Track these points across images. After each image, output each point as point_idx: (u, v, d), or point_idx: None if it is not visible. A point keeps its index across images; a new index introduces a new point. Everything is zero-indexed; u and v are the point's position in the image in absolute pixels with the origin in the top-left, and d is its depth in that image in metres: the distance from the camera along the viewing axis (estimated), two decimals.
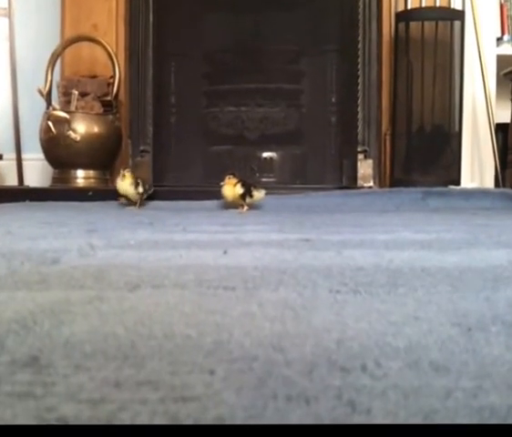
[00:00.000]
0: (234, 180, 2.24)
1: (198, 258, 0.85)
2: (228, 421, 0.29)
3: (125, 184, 2.26)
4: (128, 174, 2.29)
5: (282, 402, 0.31)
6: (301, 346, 0.40)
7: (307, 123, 3.37)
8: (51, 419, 0.29)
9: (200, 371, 0.35)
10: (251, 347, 0.39)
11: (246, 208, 2.23)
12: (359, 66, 3.06)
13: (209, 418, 0.30)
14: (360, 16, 3.05)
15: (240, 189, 2.23)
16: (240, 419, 0.30)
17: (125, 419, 0.29)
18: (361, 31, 3.04)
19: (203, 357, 0.37)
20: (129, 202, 2.31)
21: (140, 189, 2.26)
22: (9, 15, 3.23)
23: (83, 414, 0.30)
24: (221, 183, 2.28)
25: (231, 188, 2.24)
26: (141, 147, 3.42)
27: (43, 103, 3.10)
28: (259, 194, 2.30)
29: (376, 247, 1.02)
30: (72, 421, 0.29)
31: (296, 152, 3.41)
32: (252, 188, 2.28)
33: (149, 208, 2.32)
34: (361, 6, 3.06)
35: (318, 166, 3.35)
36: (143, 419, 0.29)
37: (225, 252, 0.90)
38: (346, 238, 1.15)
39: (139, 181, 2.28)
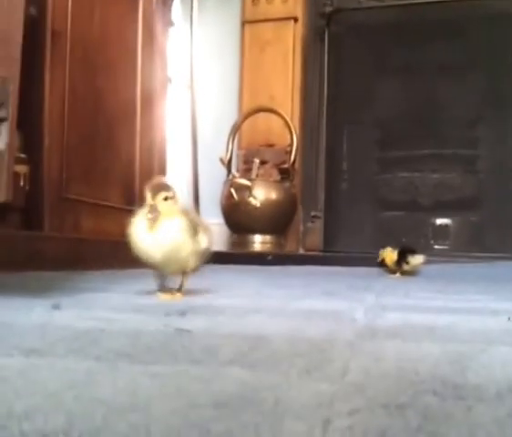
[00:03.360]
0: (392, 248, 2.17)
1: (485, 323, 0.82)
2: None
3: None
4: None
5: None
6: None
7: (485, 189, 3.26)
8: None
9: None
10: None
11: (398, 274, 2.14)
12: None
13: None
14: None
15: (395, 255, 2.15)
16: None
17: None
18: None
19: None
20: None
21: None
22: (191, 88, 3.44)
23: None
24: (381, 250, 2.22)
25: (390, 254, 2.17)
26: (312, 213, 3.47)
27: (220, 170, 3.24)
28: (415, 260, 2.17)
29: None
30: None
31: (473, 219, 3.30)
32: (409, 255, 2.17)
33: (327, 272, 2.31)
34: None
35: (497, 233, 3.21)
36: None
37: (509, 319, 0.87)
38: None
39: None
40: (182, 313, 0.79)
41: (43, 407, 0.32)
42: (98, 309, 0.80)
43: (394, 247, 2.18)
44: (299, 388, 0.41)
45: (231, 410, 0.34)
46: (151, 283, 1.04)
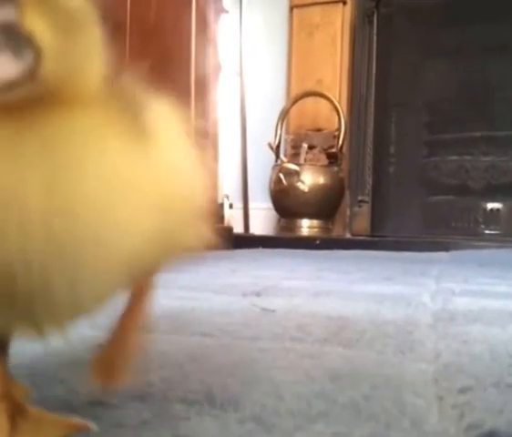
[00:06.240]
0: None
1: None
2: None
3: None
4: None
5: None
6: None
7: None
8: None
9: None
10: None
11: None
12: None
13: None
14: None
15: None
16: None
17: None
18: None
19: None
20: None
21: None
22: (241, 74, 3.45)
23: None
24: None
25: None
26: (359, 198, 3.46)
27: (269, 156, 3.25)
28: None
29: None
30: None
31: None
32: None
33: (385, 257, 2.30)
34: None
35: None
36: None
37: None
38: None
39: None
40: (257, 294, 0.81)
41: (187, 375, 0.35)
42: (173, 288, 0.83)
43: None
44: (399, 366, 0.43)
45: (348, 383, 0.36)
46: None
